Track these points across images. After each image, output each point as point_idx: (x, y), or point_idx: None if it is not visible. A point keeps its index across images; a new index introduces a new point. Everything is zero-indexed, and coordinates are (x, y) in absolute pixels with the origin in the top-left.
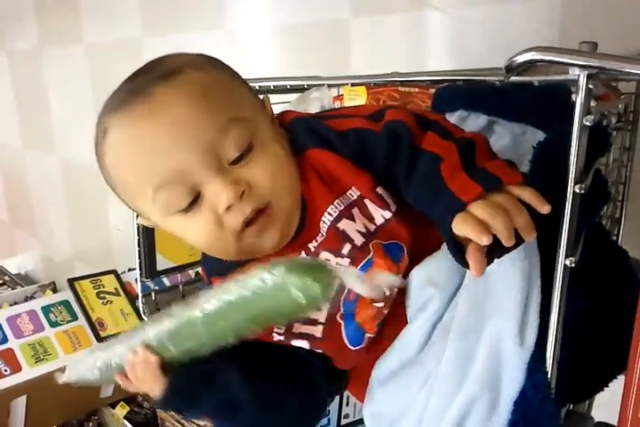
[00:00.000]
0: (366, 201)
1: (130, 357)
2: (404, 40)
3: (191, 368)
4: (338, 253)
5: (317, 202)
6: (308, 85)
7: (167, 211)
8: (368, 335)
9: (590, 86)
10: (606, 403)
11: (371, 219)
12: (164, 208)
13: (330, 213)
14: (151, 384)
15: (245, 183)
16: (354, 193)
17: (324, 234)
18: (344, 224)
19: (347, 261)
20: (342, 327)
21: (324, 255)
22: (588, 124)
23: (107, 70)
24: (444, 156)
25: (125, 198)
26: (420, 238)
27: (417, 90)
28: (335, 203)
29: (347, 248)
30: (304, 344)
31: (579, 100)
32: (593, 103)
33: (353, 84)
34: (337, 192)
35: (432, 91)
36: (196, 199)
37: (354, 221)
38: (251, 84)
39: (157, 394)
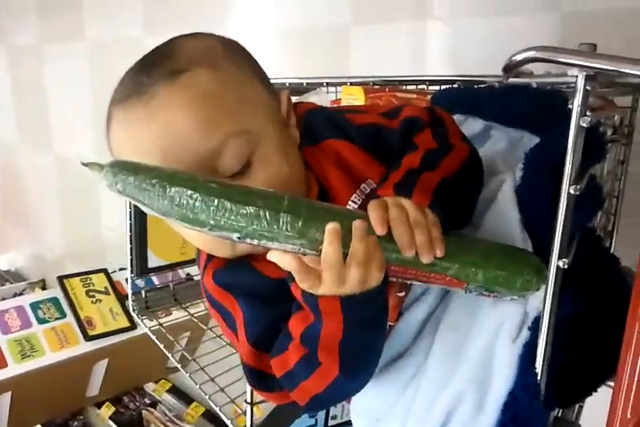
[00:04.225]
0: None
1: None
2: (405, 49)
3: None
4: None
5: (340, 191)
6: (307, 84)
7: None
8: (389, 324)
9: (588, 88)
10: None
11: None
12: None
13: (354, 202)
14: (372, 268)
15: None
16: (369, 185)
17: None
18: None
19: None
20: None
21: None
22: (584, 125)
23: (107, 69)
24: (419, 149)
25: None
26: None
27: (415, 95)
28: (357, 192)
29: None
30: None
31: (576, 101)
32: (588, 113)
33: (352, 84)
34: (357, 182)
35: (429, 97)
36: None
37: None
38: None
39: (367, 285)
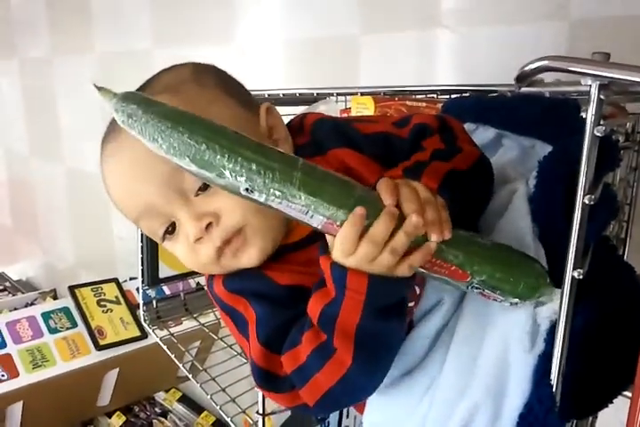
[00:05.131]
0: None
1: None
2: (413, 58)
3: None
4: None
5: None
6: (317, 94)
7: (151, 236)
8: None
9: (602, 97)
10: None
11: None
12: (148, 234)
13: None
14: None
15: (210, 215)
16: None
17: None
18: None
19: None
20: None
21: None
22: (598, 134)
23: (116, 81)
24: (427, 149)
25: None
26: None
27: (424, 104)
28: None
29: None
30: None
31: (590, 110)
32: (601, 122)
33: (362, 94)
34: None
35: (440, 105)
36: (174, 226)
37: None
38: (259, 93)
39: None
